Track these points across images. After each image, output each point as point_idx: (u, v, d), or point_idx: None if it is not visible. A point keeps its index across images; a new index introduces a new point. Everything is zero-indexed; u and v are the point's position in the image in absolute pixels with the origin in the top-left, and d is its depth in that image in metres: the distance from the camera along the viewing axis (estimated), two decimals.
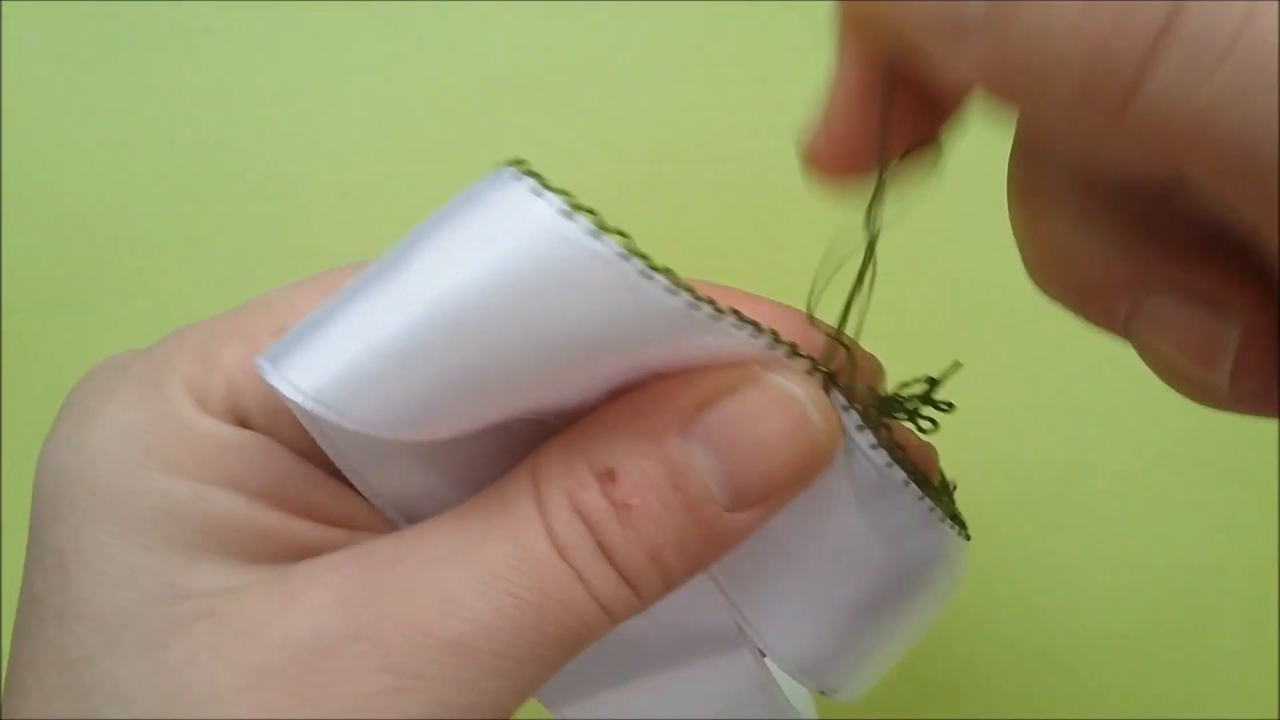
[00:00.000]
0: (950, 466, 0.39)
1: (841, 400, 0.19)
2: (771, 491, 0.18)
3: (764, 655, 0.21)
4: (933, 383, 0.20)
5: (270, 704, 0.16)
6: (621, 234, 0.15)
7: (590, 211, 0.15)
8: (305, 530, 0.18)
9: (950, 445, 0.37)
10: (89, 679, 0.16)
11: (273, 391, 0.16)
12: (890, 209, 0.17)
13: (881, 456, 0.19)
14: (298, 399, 0.16)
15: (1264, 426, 0.35)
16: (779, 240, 0.37)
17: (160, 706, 0.16)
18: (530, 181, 0.15)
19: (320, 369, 0.16)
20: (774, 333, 0.18)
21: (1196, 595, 0.36)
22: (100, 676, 0.16)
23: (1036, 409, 0.38)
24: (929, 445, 0.22)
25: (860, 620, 0.20)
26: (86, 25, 0.39)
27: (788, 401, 0.18)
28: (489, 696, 0.17)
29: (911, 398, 0.20)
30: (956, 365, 0.20)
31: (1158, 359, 0.15)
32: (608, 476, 0.17)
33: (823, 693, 0.21)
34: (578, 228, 0.15)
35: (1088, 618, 0.36)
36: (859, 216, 0.18)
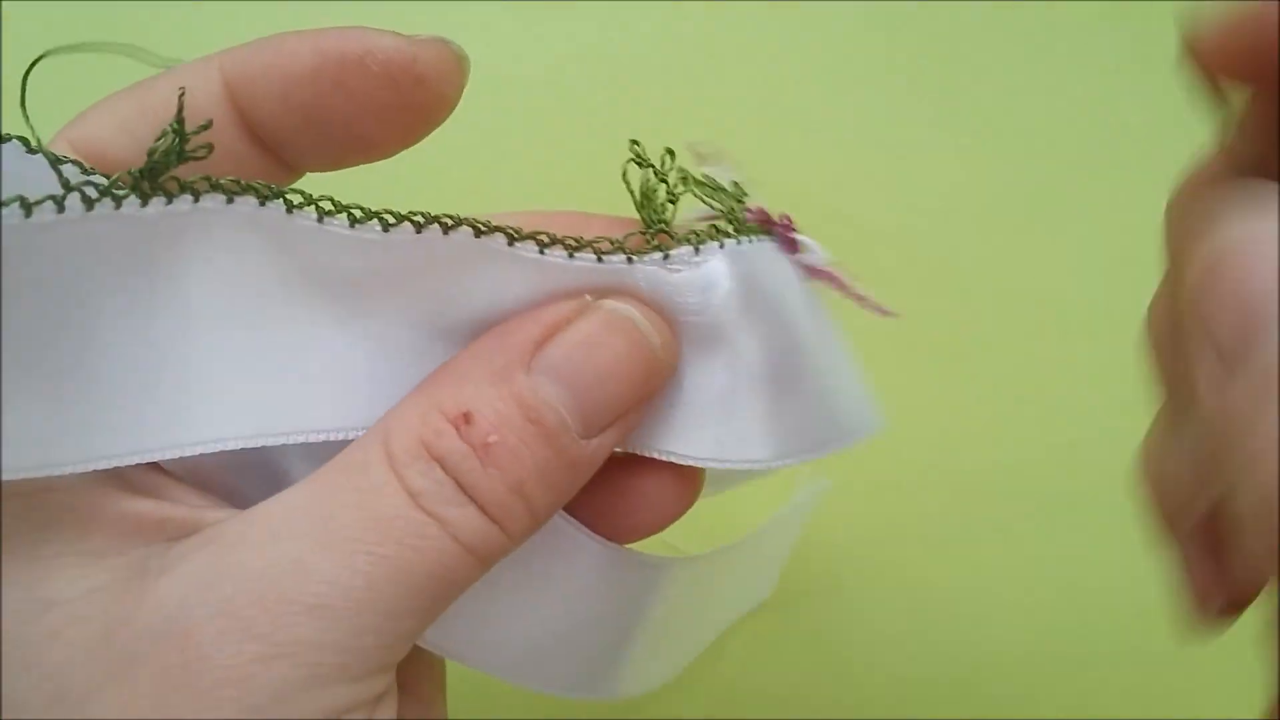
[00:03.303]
0: (947, 464, 0.39)
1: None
2: (621, 411, 0.19)
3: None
4: None
5: (143, 691, 0.16)
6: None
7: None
8: (150, 509, 0.18)
9: (946, 442, 0.37)
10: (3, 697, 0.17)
11: None
12: None
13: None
14: None
15: None
16: None
17: (47, 709, 0.16)
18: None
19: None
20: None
21: None
22: (6, 692, 0.16)
23: (1033, 407, 0.38)
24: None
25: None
26: (86, 25, 0.39)
27: (621, 322, 0.19)
28: (361, 655, 0.17)
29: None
30: None
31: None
32: (463, 419, 0.18)
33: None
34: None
35: (1084, 617, 0.36)
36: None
